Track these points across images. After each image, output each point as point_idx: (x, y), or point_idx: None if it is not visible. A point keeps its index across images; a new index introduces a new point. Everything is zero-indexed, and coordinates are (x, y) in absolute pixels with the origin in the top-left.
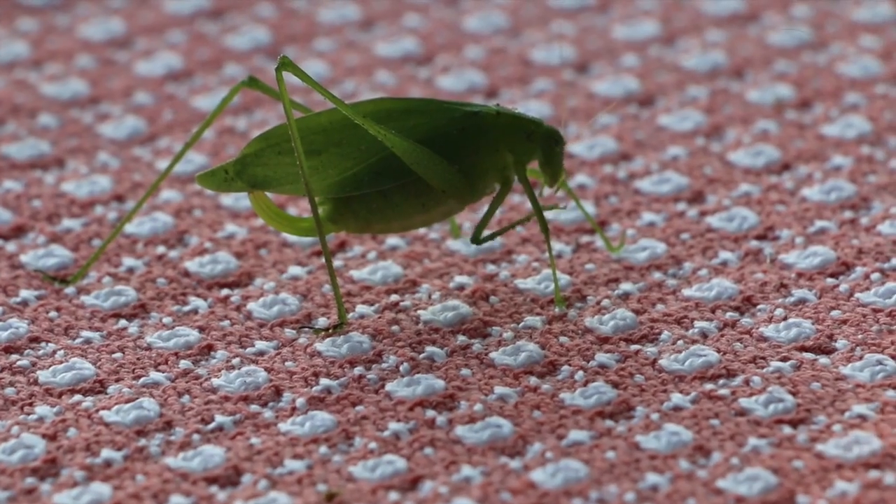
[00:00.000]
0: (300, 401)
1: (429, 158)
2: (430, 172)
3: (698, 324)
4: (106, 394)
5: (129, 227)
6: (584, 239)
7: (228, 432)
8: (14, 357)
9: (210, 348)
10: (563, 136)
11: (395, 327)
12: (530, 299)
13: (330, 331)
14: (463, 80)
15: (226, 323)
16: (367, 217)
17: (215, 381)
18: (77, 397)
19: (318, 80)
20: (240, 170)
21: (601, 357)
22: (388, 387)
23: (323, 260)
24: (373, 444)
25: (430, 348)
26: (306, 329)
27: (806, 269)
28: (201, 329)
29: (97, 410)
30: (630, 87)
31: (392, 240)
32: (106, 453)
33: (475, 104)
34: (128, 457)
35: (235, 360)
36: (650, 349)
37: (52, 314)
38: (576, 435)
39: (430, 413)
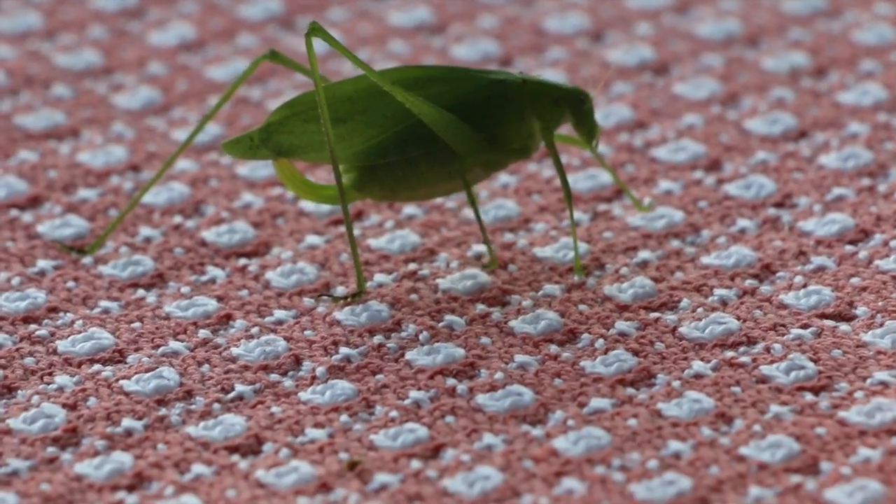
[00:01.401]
0: (320, 370)
1: (455, 125)
2: (457, 140)
3: (718, 291)
4: (125, 363)
5: (146, 197)
6: (602, 207)
7: (249, 401)
8: (33, 327)
9: (229, 318)
10: (589, 93)
11: (413, 296)
12: (549, 267)
13: (348, 299)
14: (477, 49)
15: (244, 292)
16: (393, 185)
17: (235, 351)
18: (97, 367)
19: (331, 51)
20: (265, 137)
21: (621, 325)
22: (408, 355)
23: (342, 228)
24: (394, 413)
25: (449, 317)
26: (325, 298)
27: (825, 237)
28: (219, 298)
29: (117, 380)
30: (644, 55)
31: (409, 209)
32: (127, 422)
33: (500, 71)
34: (148, 426)
35: (254, 330)
36: (670, 317)
37: (70, 284)
38: (597, 403)
39: (451, 381)
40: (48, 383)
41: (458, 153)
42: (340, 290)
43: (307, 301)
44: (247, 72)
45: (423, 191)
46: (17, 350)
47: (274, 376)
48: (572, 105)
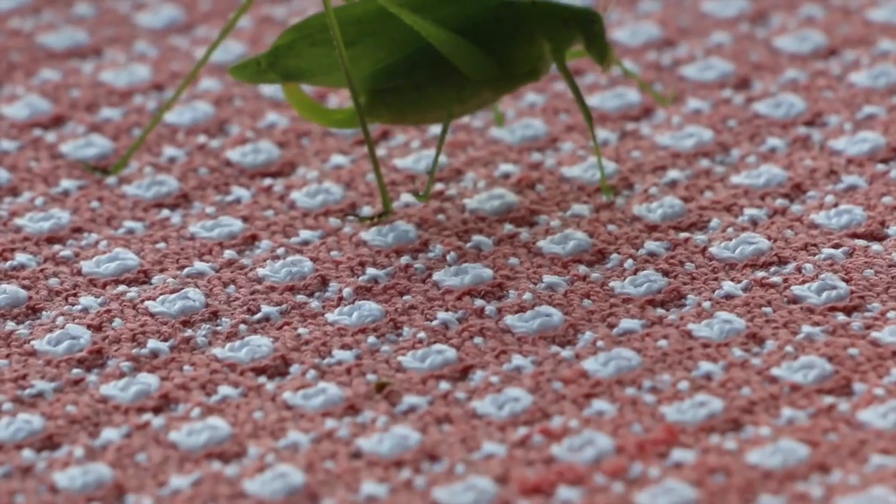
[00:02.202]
0: (347, 290)
1: (464, 48)
2: (466, 62)
3: (748, 211)
4: (150, 284)
5: (169, 117)
6: (630, 126)
7: (275, 322)
8: (57, 247)
9: (254, 238)
10: (600, 13)
11: (440, 216)
12: (577, 187)
13: (375, 219)
14: None
15: (269, 212)
16: (401, 108)
17: (260, 272)
18: (121, 288)
19: None
20: (272, 61)
21: (650, 245)
22: (436, 276)
23: (366, 148)
24: (422, 334)
25: (476, 237)
26: (351, 218)
27: (855, 155)
28: (245, 219)
29: (142, 301)
30: None
31: (436, 128)
32: (152, 344)
33: None
34: (174, 347)
35: (280, 250)
36: (700, 237)
37: (94, 204)
38: (627, 323)
39: (479, 302)
40: (73, 304)
41: (466, 75)
42: (367, 210)
43: (333, 221)
44: None
45: (433, 114)
46: (42, 271)
47: (300, 297)
48: (583, 26)
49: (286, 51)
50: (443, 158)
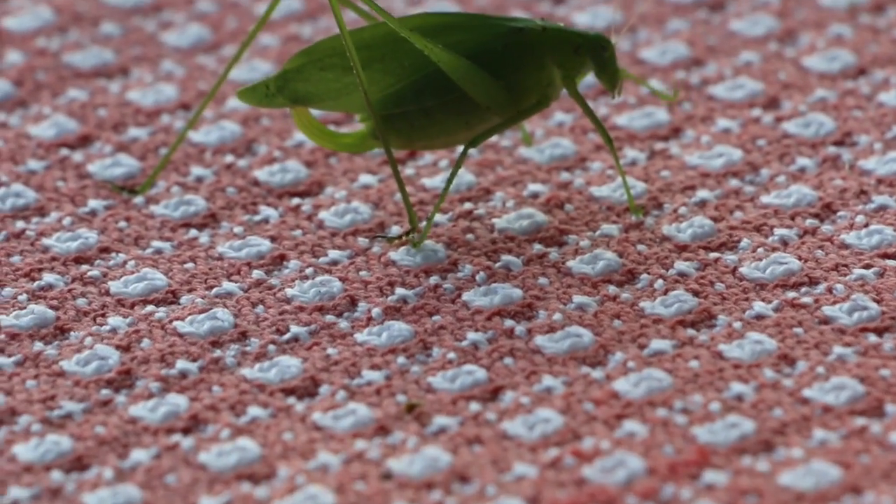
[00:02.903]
0: (376, 311)
1: (474, 73)
2: (475, 87)
3: (778, 231)
4: (178, 304)
5: (197, 136)
6: (659, 145)
7: (304, 343)
8: (85, 267)
9: (283, 258)
10: (611, 39)
11: (469, 236)
12: (606, 207)
13: (403, 238)
14: None
15: (298, 232)
16: (410, 134)
17: (289, 292)
18: (150, 308)
19: None
20: (281, 85)
21: (680, 265)
22: (465, 296)
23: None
24: (451, 355)
25: (505, 257)
26: (379, 238)
27: (885, 175)
28: (273, 239)
29: (170, 321)
30: None
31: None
32: (181, 364)
33: (520, 18)
34: (203, 368)
35: (309, 270)
36: (730, 257)
37: (122, 224)
38: (657, 344)
39: (509, 322)
40: (101, 324)
41: (476, 102)
42: (395, 230)
43: (361, 241)
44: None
45: (441, 140)
46: (70, 291)
47: (329, 317)
48: (593, 52)
49: (295, 75)
50: (471, 178)
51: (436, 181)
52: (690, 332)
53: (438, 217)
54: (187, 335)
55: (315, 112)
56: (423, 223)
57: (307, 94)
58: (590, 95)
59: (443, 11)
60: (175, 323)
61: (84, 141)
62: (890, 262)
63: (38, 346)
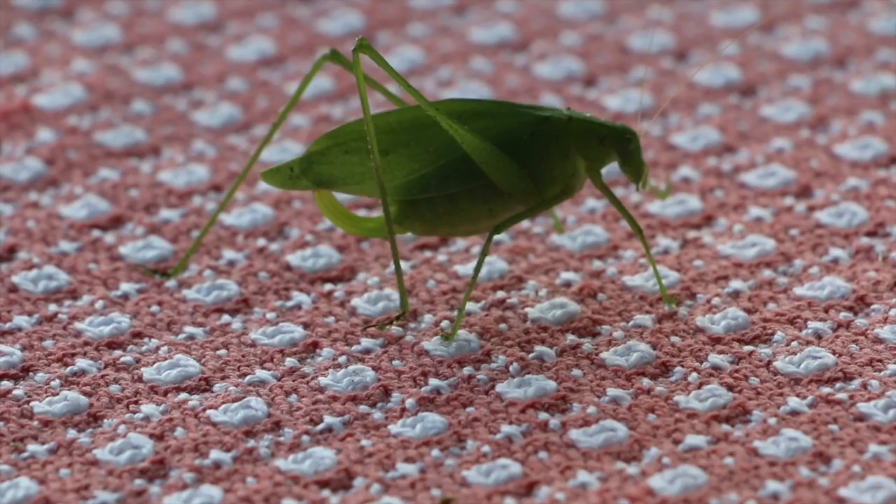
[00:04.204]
0: (410, 401)
1: (499, 159)
2: (499, 174)
3: (812, 324)
4: (212, 392)
5: (228, 219)
6: (691, 234)
7: (338, 433)
8: (117, 353)
9: (315, 345)
10: (637, 131)
11: (502, 325)
12: (639, 297)
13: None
14: (560, 67)
15: (330, 319)
16: (433, 220)
17: (322, 380)
18: (183, 395)
19: (411, 68)
20: (305, 168)
21: (714, 358)
22: (499, 388)
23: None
24: (486, 448)
25: (539, 347)
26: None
27: None
28: (306, 325)
29: (204, 409)
30: (730, 75)
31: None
32: (215, 454)
33: (546, 108)
34: (237, 458)
35: (342, 359)
36: (764, 350)
37: (154, 308)
38: (692, 440)
39: (543, 415)
40: (134, 412)
41: (499, 189)
42: (428, 318)
43: (395, 329)
44: (309, 75)
45: (464, 227)
46: (103, 377)
47: (363, 408)
48: (618, 144)
49: (319, 157)
50: (503, 265)
51: (468, 268)
52: (725, 427)
53: (471, 306)
54: (221, 424)
55: (345, 196)
56: (456, 312)
57: (331, 177)
58: (622, 182)
59: (470, 98)
60: (209, 411)
61: (116, 222)
62: None
63: (72, 433)
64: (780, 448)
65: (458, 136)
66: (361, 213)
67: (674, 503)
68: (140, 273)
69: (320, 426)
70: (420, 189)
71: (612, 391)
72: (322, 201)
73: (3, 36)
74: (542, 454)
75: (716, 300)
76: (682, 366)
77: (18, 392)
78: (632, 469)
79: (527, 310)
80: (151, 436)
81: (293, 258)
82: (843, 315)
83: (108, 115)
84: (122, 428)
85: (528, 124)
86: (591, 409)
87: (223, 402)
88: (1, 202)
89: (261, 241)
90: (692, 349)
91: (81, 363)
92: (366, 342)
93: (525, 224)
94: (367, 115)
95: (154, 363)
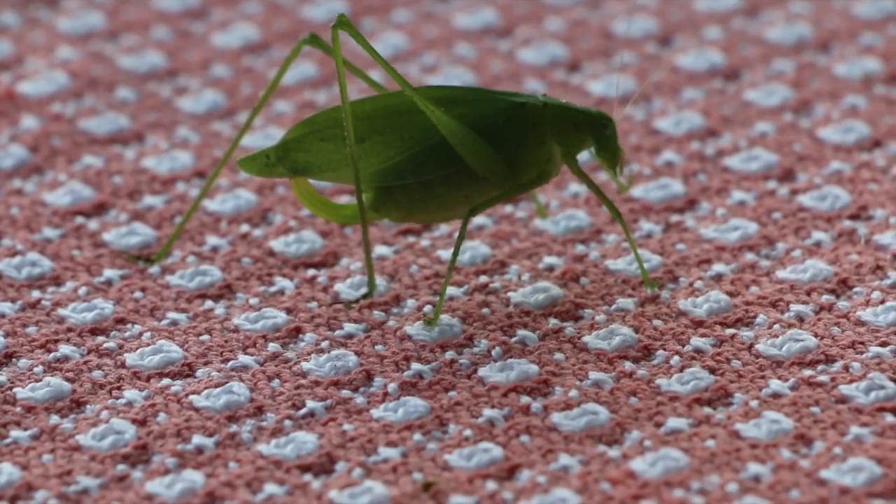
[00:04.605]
0: (392, 386)
1: (475, 143)
2: (475, 156)
3: (794, 307)
4: (195, 377)
5: (212, 205)
6: (674, 218)
7: (320, 418)
8: (101, 339)
9: (298, 331)
10: (613, 117)
11: (485, 310)
12: (621, 280)
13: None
14: (544, 53)
15: (313, 304)
16: (409, 207)
17: (305, 365)
18: (166, 381)
19: (395, 53)
20: (281, 155)
21: (696, 341)
22: (481, 372)
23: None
24: (468, 432)
25: (521, 332)
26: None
27: None
28: (288, 311)
29: (187, 395)
30: (714, 60)
31: (479, 219)
32: (197, 439)
33: (522, 94)
34: (220, 443)
35: (324, 344)
36: (746, 333)
37: (138, 294)
38: (674, 422)
39: (525, 399)
40: (117, 398)
41: (474, 174)
42: (411, 303)
43: (377, 314)
44: (288, 59)
45: (440, 213)
46: (86, 363)
47: (345, 392)
48: (594, 130)
49: (295, 145)
50: (486, 250)
51: (450, 252)
52: (707, 410)
53: (454, 290)
54: (203, 409)
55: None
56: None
57: (307, 164)
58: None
59: (447, 85)
60: (191, 397)
61: (99, 209)
62: None
63: (55, 419)
64: (761, 430)
65: (434, 118)
66: (344, 199)
67: (655, 486)
68: (123, 259)
69: (303, 411)
70: (395, 176)
71: (594, 374)
72: (299, 188)
73: None
74: (524, 438)
75: (698, 283)
76: (665, 349)
77: (1, 378)
78: (613, 452)
79: (509, 294)
80: (134, 421)
81: (276, 244)
82: (826, 298)
83: (92, 102)
84: (104, 413)
85: (504, 110)
86: (573, 393)
87: (206, 388)
88: None
89: (244, 227)
90: (674, 332)
91: (64, 349)
92: (349, 327)
93: (508, 208)
94: (345, 94)
95: (137, 349)
